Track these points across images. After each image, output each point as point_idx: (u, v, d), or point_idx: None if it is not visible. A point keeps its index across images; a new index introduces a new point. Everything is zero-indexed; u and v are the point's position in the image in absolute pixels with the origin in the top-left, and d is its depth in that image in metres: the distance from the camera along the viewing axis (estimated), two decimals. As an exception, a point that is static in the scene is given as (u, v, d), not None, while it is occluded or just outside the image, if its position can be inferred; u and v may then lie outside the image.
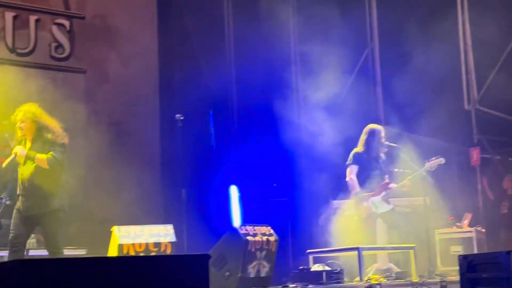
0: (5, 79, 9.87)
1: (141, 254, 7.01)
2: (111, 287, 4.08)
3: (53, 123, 7.47)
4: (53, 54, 10.64)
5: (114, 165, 10.63)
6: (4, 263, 4.23)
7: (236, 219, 10.40)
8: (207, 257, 4.48)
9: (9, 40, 10.29)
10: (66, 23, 10.75)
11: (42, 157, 7.29)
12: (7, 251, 8.32)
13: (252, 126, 11.19)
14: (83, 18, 10.88)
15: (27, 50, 10.44)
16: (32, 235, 8.80)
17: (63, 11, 10.73)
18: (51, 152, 7.28)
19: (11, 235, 7.24)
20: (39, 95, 10.22)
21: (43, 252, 8.66)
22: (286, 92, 11.39)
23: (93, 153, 10.51)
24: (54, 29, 10.65)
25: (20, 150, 7.32)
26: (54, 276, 3.94)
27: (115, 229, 7.22)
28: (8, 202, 8.67)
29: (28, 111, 7.33)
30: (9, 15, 10.25)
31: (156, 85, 11.33)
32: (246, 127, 11.35)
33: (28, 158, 7.30)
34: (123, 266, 4.26)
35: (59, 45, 10.68)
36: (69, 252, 8.84)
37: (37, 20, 10.48)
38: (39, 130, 7.36)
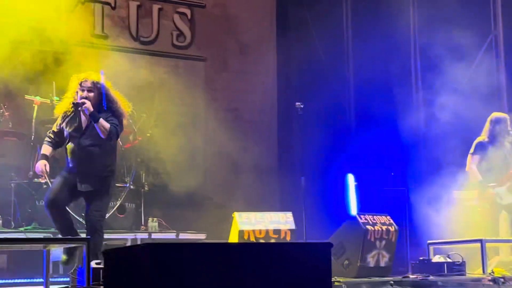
0: (129, 67, 10.15)
1: (261, 241, 7.09)
2: (234, 272, 4.15)
3: (119, 97, 6.84)
4: (175, 42, 10.89)
5: (232, 151, 10.80)
6: (135, 246, 4.38)
7: (353, 207, 10.33)
8: (329, 245, 4.48)
9: (133, 29, 10.60)
10: (188, 12, 10.98)
11: (106, 124, 6.58)
12: (131, 234, 8.66)
13: (370, 114, 11.06)
14: (203, 7, 11.07)
15: (150, 39, 10.73)
16: (155, 219, 9.07)
17: (184, 0, 10.95)
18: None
19: None
20: (161, 82, 10.51)
21: (165, 235, 8.92)
22: (406, 79, 11.19)
23: (211, 140, 10.72)
24: (176, 18, 10.90)
25: (89, 104, 6.57)
26: (179, 260, 4.05)
27: (236, 215, 7.33)
28: (132, 187, 8.98)
29: (98, 81, 6.67)
30: (133, 4, 10.55)
31: (274, 73, 11.41)
32: (364, 115, 11.23)
33: (92, 117, 6.54)
34: (248, 252, 4.32)
35: (181, 34, 10.93)
36: (189, 236, 9.06)
37: (160, 9, 10.76)
38: (106, 101, 6.67)
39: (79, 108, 6.60)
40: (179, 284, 3.98)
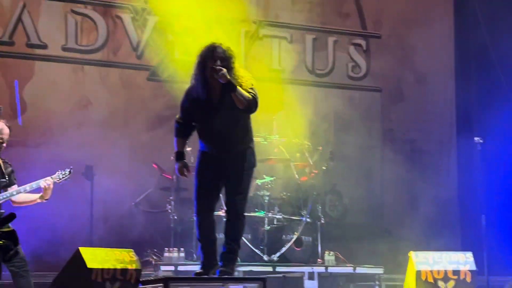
0: (305, 100, 10.22)
1: (440, 282, 6.88)
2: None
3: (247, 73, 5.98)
4: (350, 73, 10.88)
5: (410, 183, 10.59)
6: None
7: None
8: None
9: (309, 61, 10.72)
10: (363, 43, 10.95)
11: (245, 92, 5.76)
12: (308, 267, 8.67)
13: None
14: (379, 37, 10.99)
15: (325, 71, 10.79)
16: (331, 252, 9.04)
17: (360, 31, 10.93)
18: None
19: None
20: (336, 115, 10.54)
21: (342, 269, 8.87)
22: None
23: (388, 171, 10.58)
24: (351, 49, 10.90)
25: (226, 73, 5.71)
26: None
27: (412, 255, 7.15)
28: (308, 220, 9.02)
29: (232, 54, 5.82)
30: (309, 38, 10.66)
31: (452, 103, 11.11)
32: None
33: (229, 84, 5.68)
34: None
35: (356, 65, 10.91)
36: (366, 270, 8.94)
37: (335, 41, 10.79)
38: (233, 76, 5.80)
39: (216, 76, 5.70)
40: None
